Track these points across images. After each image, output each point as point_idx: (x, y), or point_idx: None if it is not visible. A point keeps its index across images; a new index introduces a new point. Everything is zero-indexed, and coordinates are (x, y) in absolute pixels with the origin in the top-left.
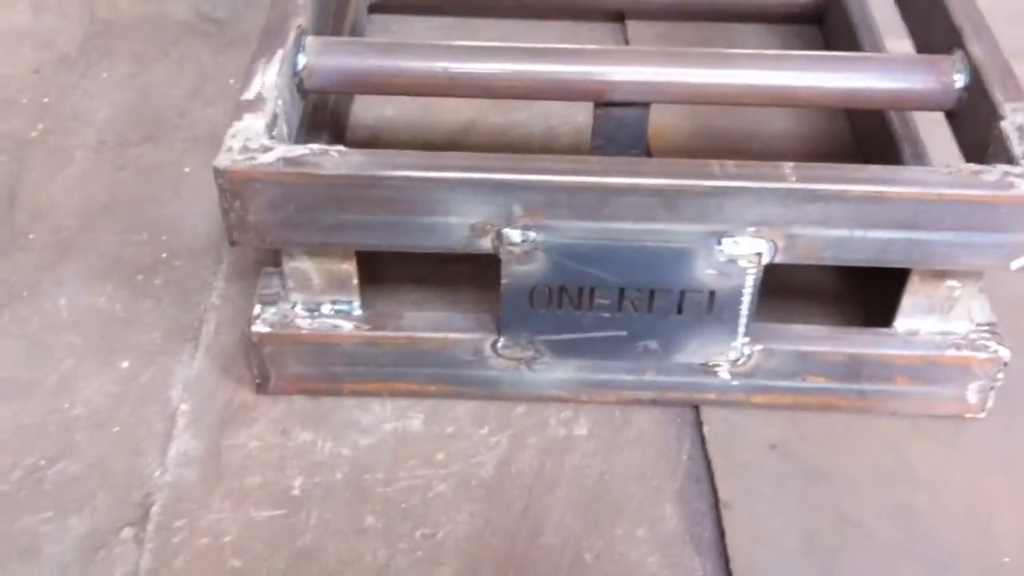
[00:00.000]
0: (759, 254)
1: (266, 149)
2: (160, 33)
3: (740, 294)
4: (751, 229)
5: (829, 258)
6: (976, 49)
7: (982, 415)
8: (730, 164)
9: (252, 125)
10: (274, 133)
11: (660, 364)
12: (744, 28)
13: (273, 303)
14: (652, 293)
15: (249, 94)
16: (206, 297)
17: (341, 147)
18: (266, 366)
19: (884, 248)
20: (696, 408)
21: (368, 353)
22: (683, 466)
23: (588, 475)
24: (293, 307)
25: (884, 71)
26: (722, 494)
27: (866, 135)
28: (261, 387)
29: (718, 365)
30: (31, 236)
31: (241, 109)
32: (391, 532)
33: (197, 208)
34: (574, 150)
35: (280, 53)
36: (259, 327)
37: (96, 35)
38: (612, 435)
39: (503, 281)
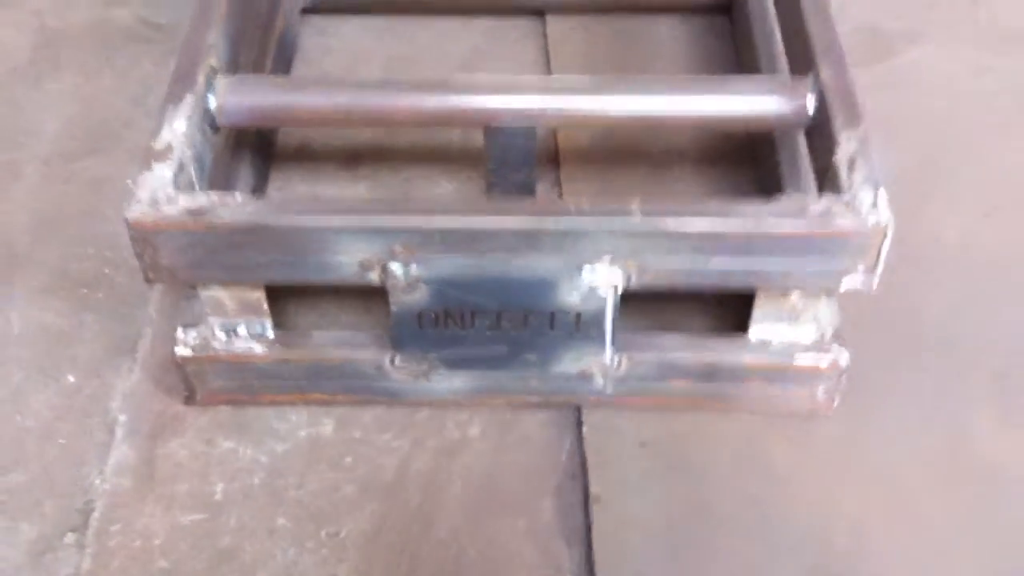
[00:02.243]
0: (615, 281)
1: (171, 200)
2: (105, 42)
3: (603, 315)
4: (606, 259)
5: (680, 284)
6: (825, 72)
7: (831, 413)
8: (584, 203)
9: (160, 176)
10: (179, 182)
11: (541, 373)
12: (657, 19)
13: (194, 326)
14: (526, 315)
15: (158, 143)
16: (144, 311)
17: (238, 195)
18: (191, 382)
19: (725, 276)
20: (579, 409)
21: (281, 369)
22: (562, 464)
23: (477, 474)
24: (212, 330)
25: (743, 93)
26: (593, 488)
27: (756, 136)
28: (189, 399)
29: (592, 373)
30: None
31: (150, 158)
32: (300, 532)
33: None
34: None
35: (189, 98)
36: (182, 350)
37: (45, 45)
38: (501, 436)
39: (392, 308)
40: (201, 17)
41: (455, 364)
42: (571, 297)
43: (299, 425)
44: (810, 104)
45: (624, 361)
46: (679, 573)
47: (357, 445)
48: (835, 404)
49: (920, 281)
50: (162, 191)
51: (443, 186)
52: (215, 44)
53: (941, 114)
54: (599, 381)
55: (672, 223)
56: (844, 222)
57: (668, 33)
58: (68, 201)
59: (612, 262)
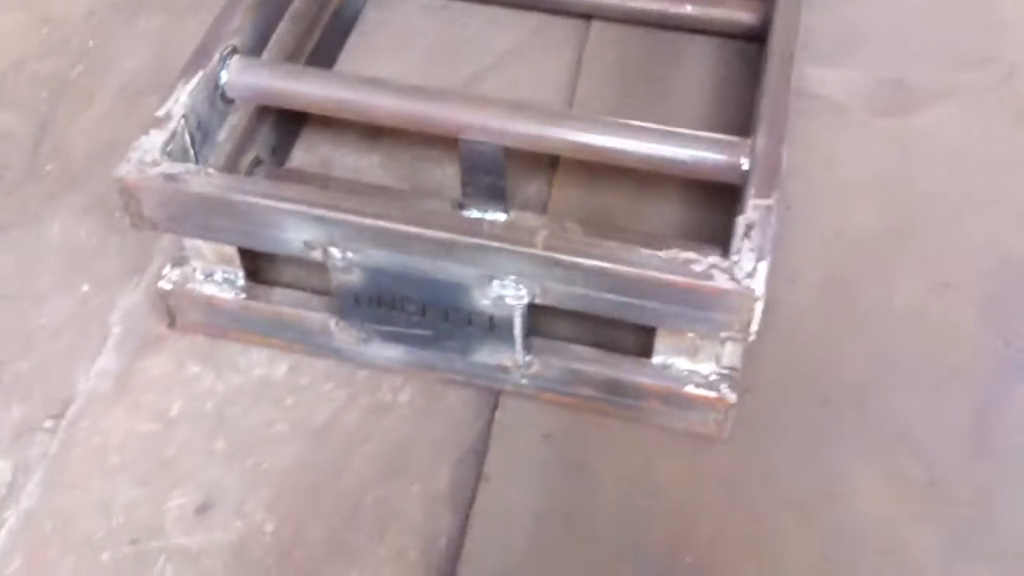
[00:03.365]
0: (521, 296)
1: (155, 164)
2: None
3: (512, 322)
4: (513, 277)
5: (579, 308)
6: (761, 139)
7: (723, 441)
8: (498, 225)
9: (152, 141)
10: (170, 148)
11: (463, 359)
12: (694, 39)
13: (180, 265)
14: (447, 310)
15: (161, 111)
16: (159, 240)
17: (211, 169)
18: (172, 312)
19: (618, 309)
20: (499, 393)
21: (246, 315)
22: (470, 440)
23: (395, 435)
24: (194, 270)
25: (687, 147)
26: (487, 468)
27: None
28: (171, 325)
29: (507, 367)
30: (48, 168)
31: (150, 125)
32: (231, 456)
33: None
34: None
35: (201, 74)
36: (164, 284)
37: None
38: (426, 406)
39: (333, 283)
40: (230, 3)
41: (389, 337)
42: (484, 303)
43: (257, 363)
44: (744, 165)
45: (535, 363)
46: (541, 559)
47: (301, 390)
48: (727, 434)
49: (853, 340)
50: (149, 155)
51: (445, 169)
52: (240, 27)
53: (936, 179)
54: (514, 375)
55: (567, 258)
56: (718, 284)
57: (701, 54)
58: (125, 131)
59: (518, 280)
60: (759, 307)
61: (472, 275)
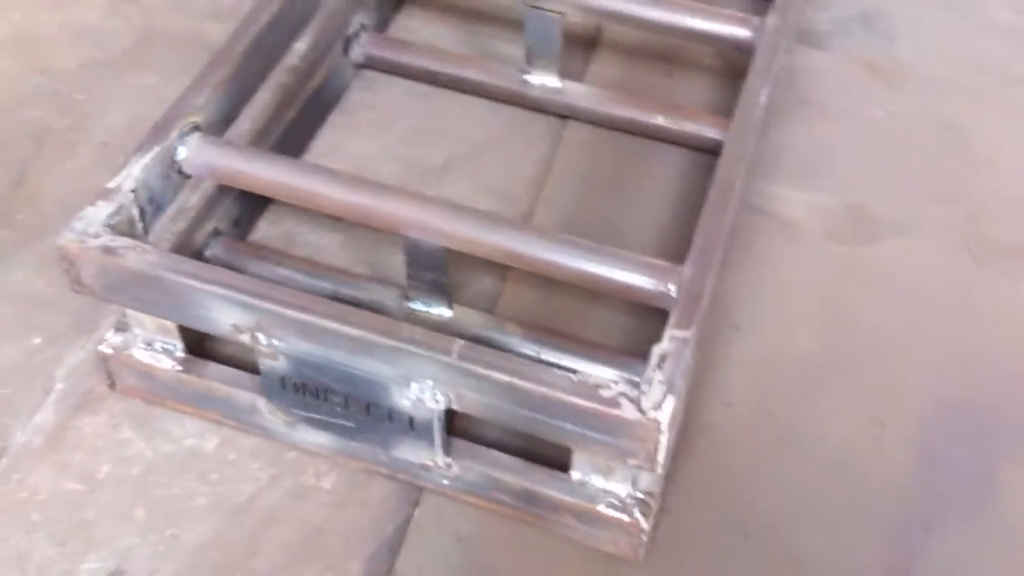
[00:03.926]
0: (439, 401)
1: (96, 236)
2: (191, 52)
3: (431, 424)
4: (430, 382)
5: (493, 419)
6: (689, 269)
7: (637, 562)
8: (418, 331)
9: (98, 213)
10: (115, 221)
11: (386, 453)
12: (667, 149)
13: (122, 330)
14: (368, 405)
15: (112, 183)
16: None
17: (147, 245)
18: (112, 375)
19: (530, 424)
20: (421, 490)
21: (181, 386)
22: (387, 534)
23: (313, 521)
24: (135, 337)
25: (618, 266)
26: (398, 565)
27: None
28: (111, 387)
29: (429, 466)
30: (19, 216)
31: (99, 196)
32: (148, 525)
33: None
34: None
35: (156, 149)
36: (104, 348)
37: (143, 43)
38: (348, 494)
39: (260, 367)
40: (200, 79)
41: (314, 424)
42: (404, 402)
43: (190, 434)
44: (672, 292)
45: (455, 466)
46: None
47: (227, 466)
48: (640, 556)
49: (781, 473)
50: (92, 227)
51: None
52: (204, 105)
53: (884, 314)
54: (435, 474)
55: (480, 371)
56: (624, 413)
57: (669, 164)
58: (100, 186)
59: (435, 385)
60: (664, 440)
61: (391, 375)
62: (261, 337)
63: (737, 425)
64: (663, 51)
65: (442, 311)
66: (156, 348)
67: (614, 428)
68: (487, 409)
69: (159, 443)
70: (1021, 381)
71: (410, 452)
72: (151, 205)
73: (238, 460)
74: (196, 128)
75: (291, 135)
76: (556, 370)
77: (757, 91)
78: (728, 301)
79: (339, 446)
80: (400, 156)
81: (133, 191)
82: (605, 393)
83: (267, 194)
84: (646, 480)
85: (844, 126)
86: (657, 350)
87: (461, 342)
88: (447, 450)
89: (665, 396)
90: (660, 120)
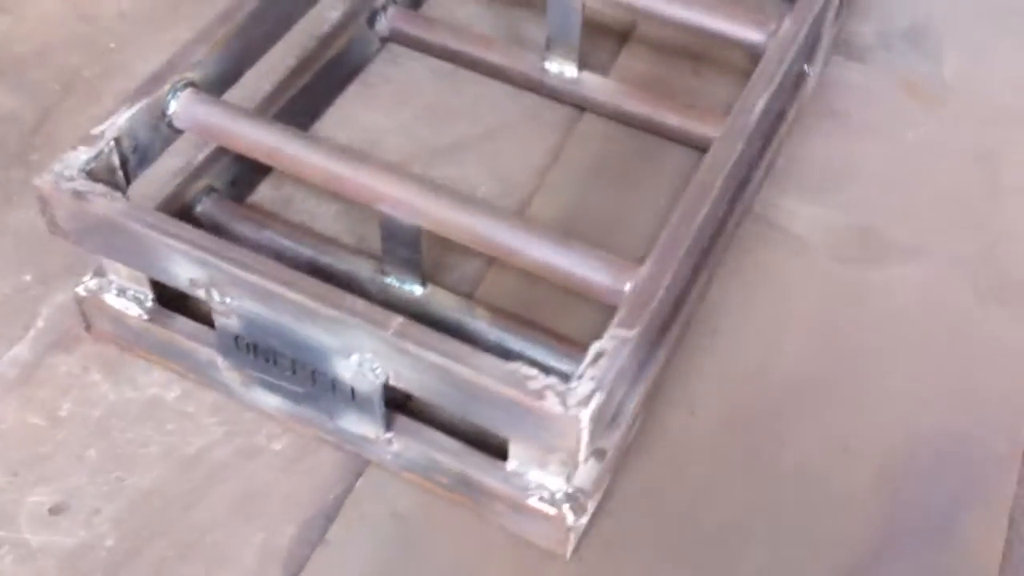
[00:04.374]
0: (378, 375)
1: (70, 180)
2: None
3: (372, 397)
4: (368, 356)
5: (429, 399)
6: (647, 269)
7: (566, 558)
8: (360, 303)
9: (77, 158)
10: (91, 167)
11: (332, 422)
12: (674, 147)
13: (100, 275)
14: (313, 372)
15: (96, 130)
16: None
17: (117, 193)
18: (87, 318)
19: (462, 408)
20: (367, 462)
21: (148, 335)
22: (324, 502)
23: (256, 482)
24: (110, 283)
25: (577, 259)
26: (329, 534)
27: None
28: (87, 329)
29: (372, 439)
30: (34, 157)
31: (80, 141)
32: (98, 466)
33: None
34: None
35: (145, 101)
36: (80, 290)
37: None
38: (295, 459)
39: (215, 324)
40: (199, 36)
41: (267, 386)
42: (345, 373)
43: (154, 383)
44: (627, 291)
45: (396, 442)
46: None
47: (184, 418)
48: (569, 552)
49: (734, 487)
50: (68, 171)
51: None
52: (202, 62)
53: (873, 339)
54: (378, 448)
55: (414, 348)
56: (547, 406)
57: (679, 164)
58: None
59: (374, 359)
60: (585, 436)
61: (333, 344)
62: (215, 294)
63: (698, 434)
64: (694, 50)
65: (414, 288)
66: (128, 296)
67: (538, 420)
68: (423, 389)
69: (124, 389)
70: (1000, 425)
71: (353, 424)
72: (135, 155)
73: (195, 413)
74: (191, 84)
75: (305, 100)
76: (490, 357)
77: (754, 97)
78: (714, 307)
79: (290, 410)
80: (411, 132)
81: (115, 139)
82: (532, 384)
83: (248, 155)
84: (582, 476)
85: (870, 144)
86: (595, 347)
87: (401, 319)
88: (388, 425)
89: (593, 394)
90: (673, 120)
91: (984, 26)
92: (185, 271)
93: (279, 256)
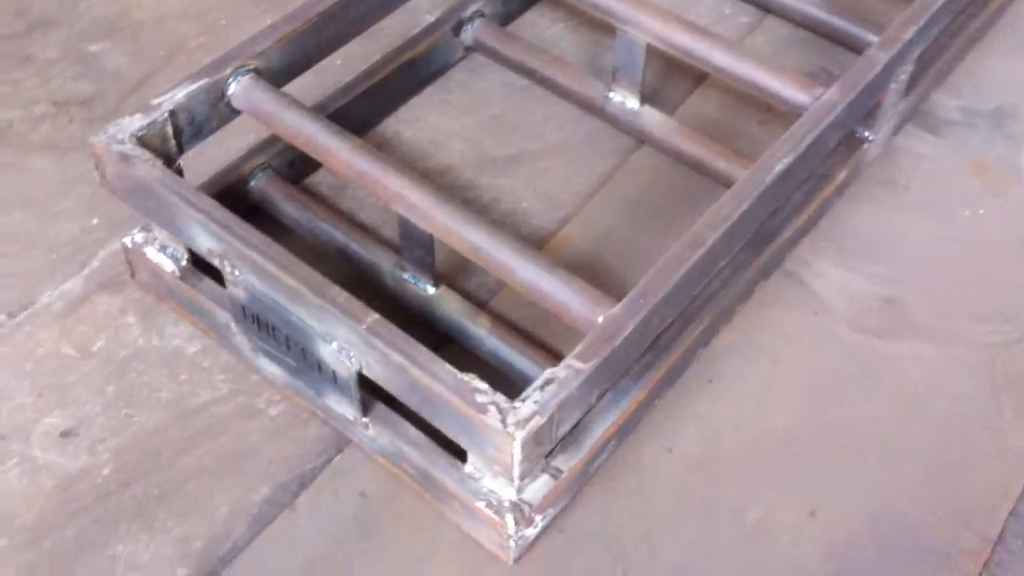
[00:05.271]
0: (353, 364)
1: (121, 142)
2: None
3: (350, 383)
4: (345, 344)
5: (394, 394)
6: (620, 307)
7: (510, 564)
8: (343, 295)
9: (132, 123)
10: (143, 133)
11: (320, 399)
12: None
13: (148, 230)
14: (303, 350)
15: (155, 101)
16: None
17: (158, 160)
18: (132, 266)
19: (421, 408)
20: (349, 441)
21: (178, 291)
22: (302, 471)
23: (246, 441)
24: (155, 238)
25: (557, 284)
26: (298, 501)
27: None
28: (132, 277)
29: (352, 421)
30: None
31: (139, 108)
32: (114, 400)
33: None
34: None
35: (205, 80)
36: (127, 241)
37: None
38: (286, 426)
39: (228, 293)
40: (268, 29)
41: (269, 356)
42: (328, 357)
43: (178, 335)
44: (600, 322)
45: (371, 427)
46: None
47: (198, 371)
48: (512, 559)
49: (689, 531)
50: (121, 133)
51: None
52: (265, 52)
53: (871, 413)
54: (358, 430)
55: (381, 345)
56: (486, 420)
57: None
58: None
59: (350, 349)
60: (518, 454)
61: (318, 329)
62: (227, 265)
63: (670, 472)
64: (763, 101)
65: (427, 287)
66: (167, 252)
67: (480, 432)
68: (388, 383)
69: (152, 336)
70: (976, 519)
71: (335, 403)
72: (191, 127)
73: (209, 369)
74: (254, 71)
75: (378, 95)
76: (447, 365)
77: (775, 158)
78: (715, 355)
79: (289, 381)
80: (472, 139)
81: (171, 111)
82: (480, 398)
83: (290, 141)
84: (533, 491)
85: (921, 217)
86: (547, 373)
87: (376, 316)
88: (366, 410)
89: (532, 416)
90: (721, 164)
91: None
92: (204, 240)
93: (314, 237)
